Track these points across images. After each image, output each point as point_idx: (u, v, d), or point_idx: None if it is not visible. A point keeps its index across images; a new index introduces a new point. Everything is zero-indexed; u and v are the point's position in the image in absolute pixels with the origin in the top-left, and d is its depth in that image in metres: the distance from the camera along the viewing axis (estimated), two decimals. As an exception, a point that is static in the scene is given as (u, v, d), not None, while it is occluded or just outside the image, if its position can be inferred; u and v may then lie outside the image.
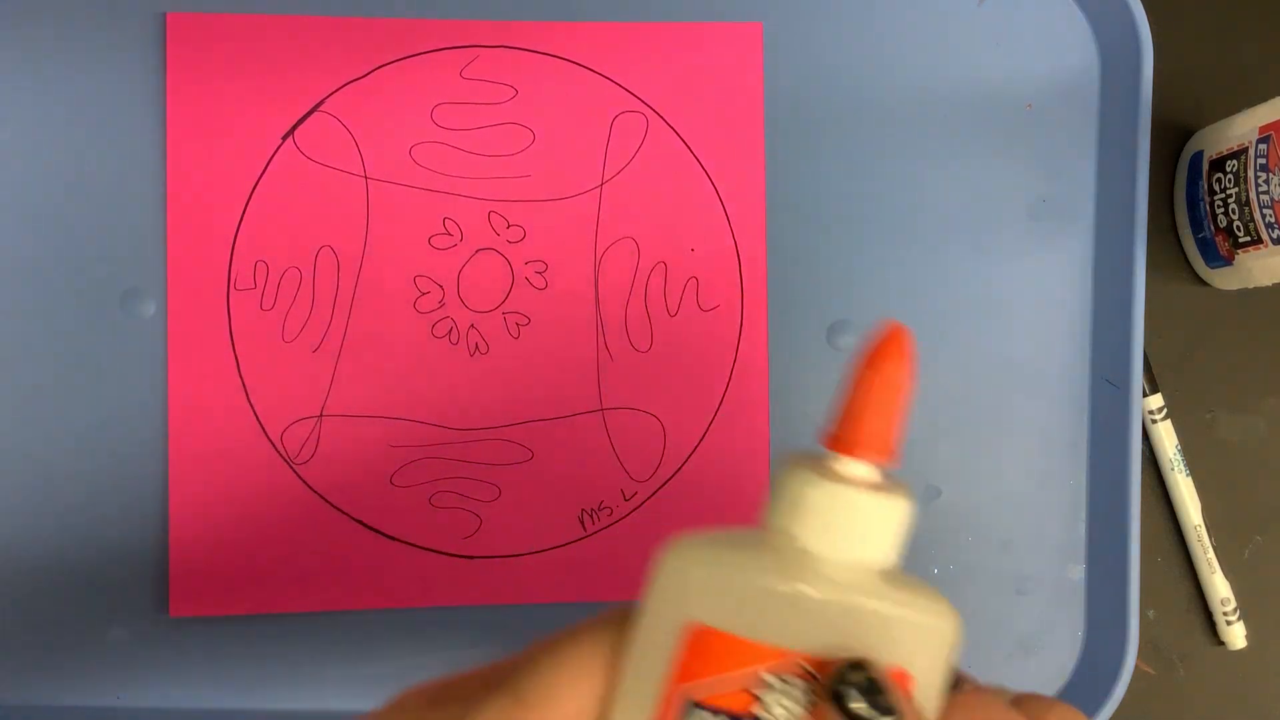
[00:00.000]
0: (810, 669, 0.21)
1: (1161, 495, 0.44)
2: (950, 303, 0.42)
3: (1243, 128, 0.41)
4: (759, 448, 0.41)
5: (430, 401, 0.41)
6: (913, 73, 0.42)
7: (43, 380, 0.40)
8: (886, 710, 0.21)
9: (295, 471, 0.40)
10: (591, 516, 0.41)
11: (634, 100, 0.41)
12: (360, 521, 0.41)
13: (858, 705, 0.21)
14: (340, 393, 0.41)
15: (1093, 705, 0.40)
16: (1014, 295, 0.42)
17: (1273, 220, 0.39)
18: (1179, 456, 0.44)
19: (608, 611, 0.24)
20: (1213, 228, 0.42)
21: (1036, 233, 0.42)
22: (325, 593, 0.40)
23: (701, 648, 0.22)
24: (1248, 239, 0.41)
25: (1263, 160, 0.40)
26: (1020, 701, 0.24)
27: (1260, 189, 0.40)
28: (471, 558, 0.41)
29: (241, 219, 0.40)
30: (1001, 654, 0.42)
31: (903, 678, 0.22)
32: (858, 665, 0.21)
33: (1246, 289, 0.43)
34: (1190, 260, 0.44)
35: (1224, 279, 0.43)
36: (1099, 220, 0.42)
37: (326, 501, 0.40)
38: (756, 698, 0.21)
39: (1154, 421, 0.43)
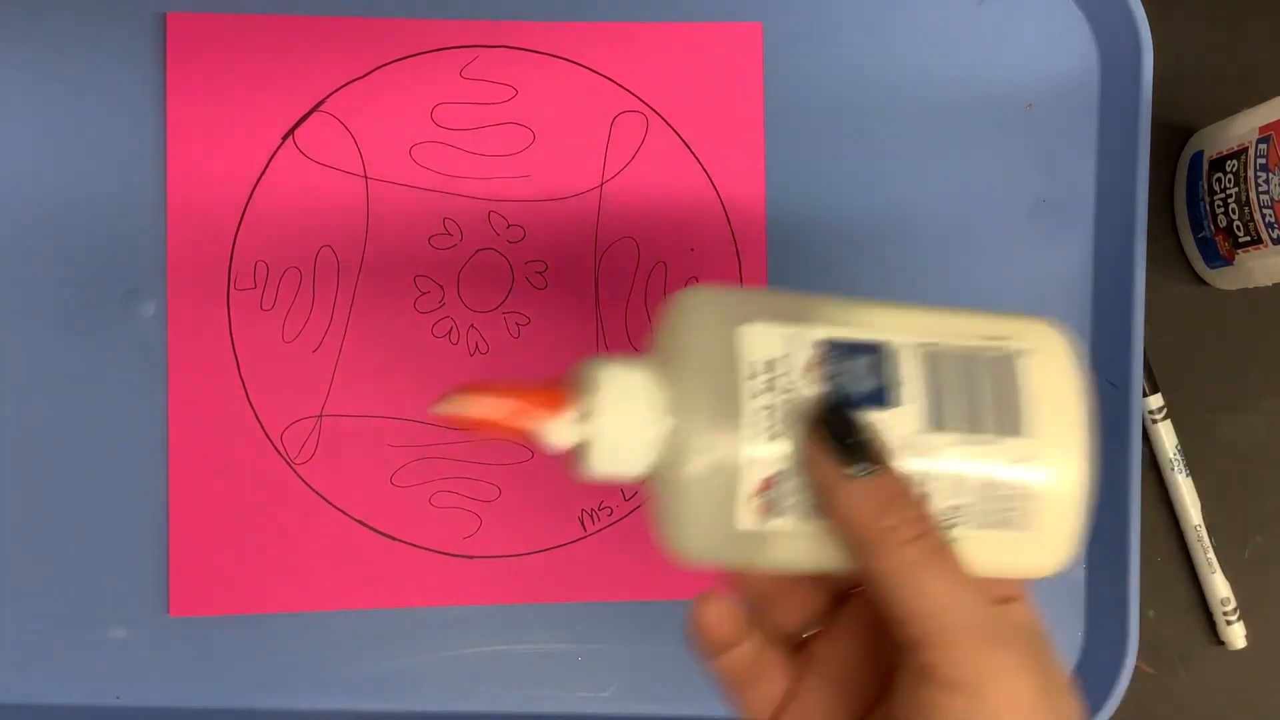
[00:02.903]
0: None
1: (1161, 495, 0.44)
2: (950, 303, 0.42)
3: (1243, 128, 0.41)
4: (759, 448, 0.41)
5: (430, 401, 0.41)
6: (913, 73, 0.42)
7: (43, 380, 0.40)
8: (862, 440, 0.24)
9: (295, 471, 0.40)
10: (591, 516, 0.41)
11: (634, 100, 0.41)
12: (360, 521, 0.41)
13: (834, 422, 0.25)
14: (340, 393, 0.41)
15: (1093, 705, 0.40)
16: (1014, 295, 0.42)
17: (1273, 220, 0.39)
18: (1179, 457, 0.44)
19: None
20: (1213, 228, 0.42)
21: (1036, 233, 0.42)
22: (325, 593, 0.40)
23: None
24: (1248, 239, 0.41)
25: (1263, 160, 0.40)
26: None
27: (1260, 189, 0.40)
28: (471, 558, 0.41)
29: (241, 219, 0.40)
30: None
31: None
32: (842, 402, 0.25)
33: (1246, 289, 0.43)
34: (1190, 260, 0.44)
35: (1224, 279, 0.43)
36: (1099, 220, 0.42)
37: (326, 501, 0.40)
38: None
39: (1154, 421, 0.43)
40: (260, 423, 0.40)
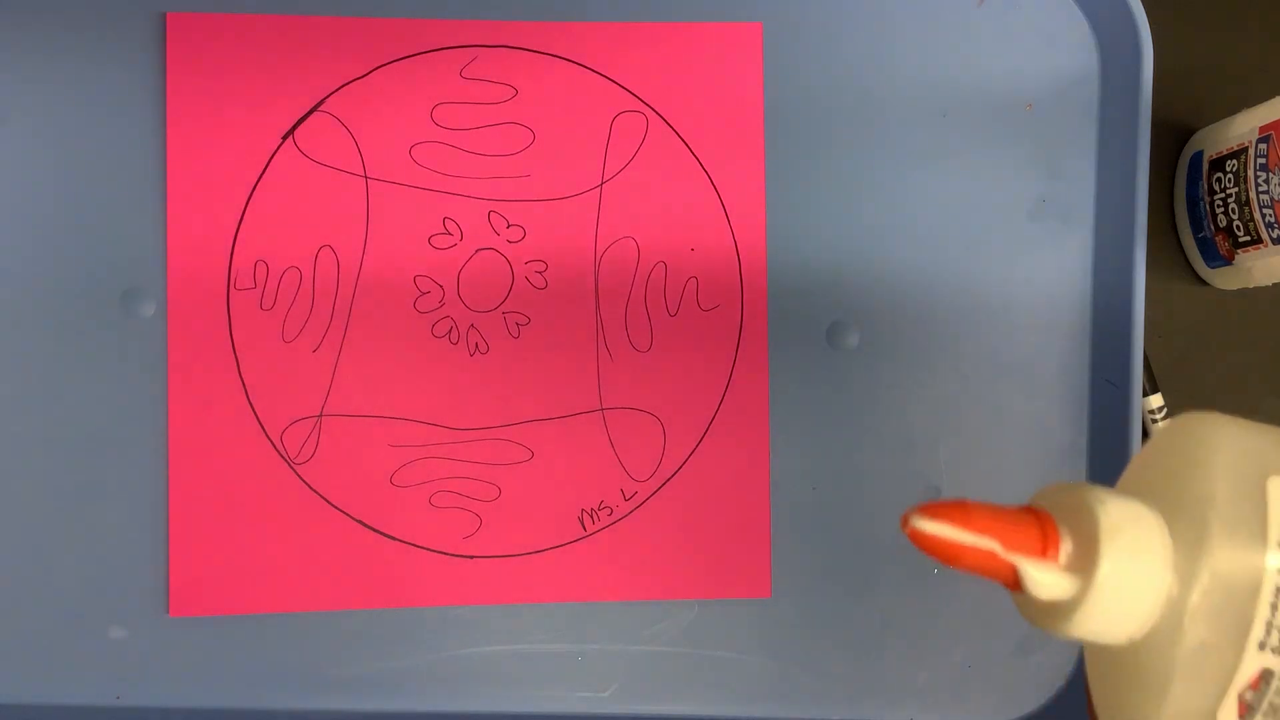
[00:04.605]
0: None
1: (1161, 495, 0.44)
2: (950, 303, 0.42)
3: (1243, 127, 0.41)
4: (759, 448, 0.41)
5: (430, 401, 0.41)
6: (913, 73, 0.42)
7: (43, 380, 0.40)
8: None
9: (295, 471, 0.40)
10: (591, 516, 0.41)
11: (634, 100, 0.41)
12: (360, 521, 0.41)
13: None
14: (340, 393, 0.41)
15: (1093, 705, 0.40)
16: (1014, 295, 0.42)
17: (1273, 220, 0.39)
18: (1179, 456, 0.43)
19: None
20: (1213, 228, 0.42)
21: (1036, 233, 0.42)
22: (325, 593, 0.40)
23: None
24: (1248, 239, 0.41)
25: (1263, 160, 0.40)
26: None
27: (1260, 189, 0.40)
28: (471, 557, 0.41)
29: (241, 219, 0.40)
30: (1002, 654, 0.42)
31: None
32: None
33: (1246, 289, 0.43)
34: (1190, 260, 0.44)
35: (1224, 279, 0.43)
36: (1099, 220, 0.42)
37: (327, 501, 0.40)
38: None
39: (1154, 421, 0.43)
40: (260, 423, 0.40)
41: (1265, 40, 0.45)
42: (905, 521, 0.21)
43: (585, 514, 0.41)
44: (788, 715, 0.42)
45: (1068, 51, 0.42)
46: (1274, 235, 0.40)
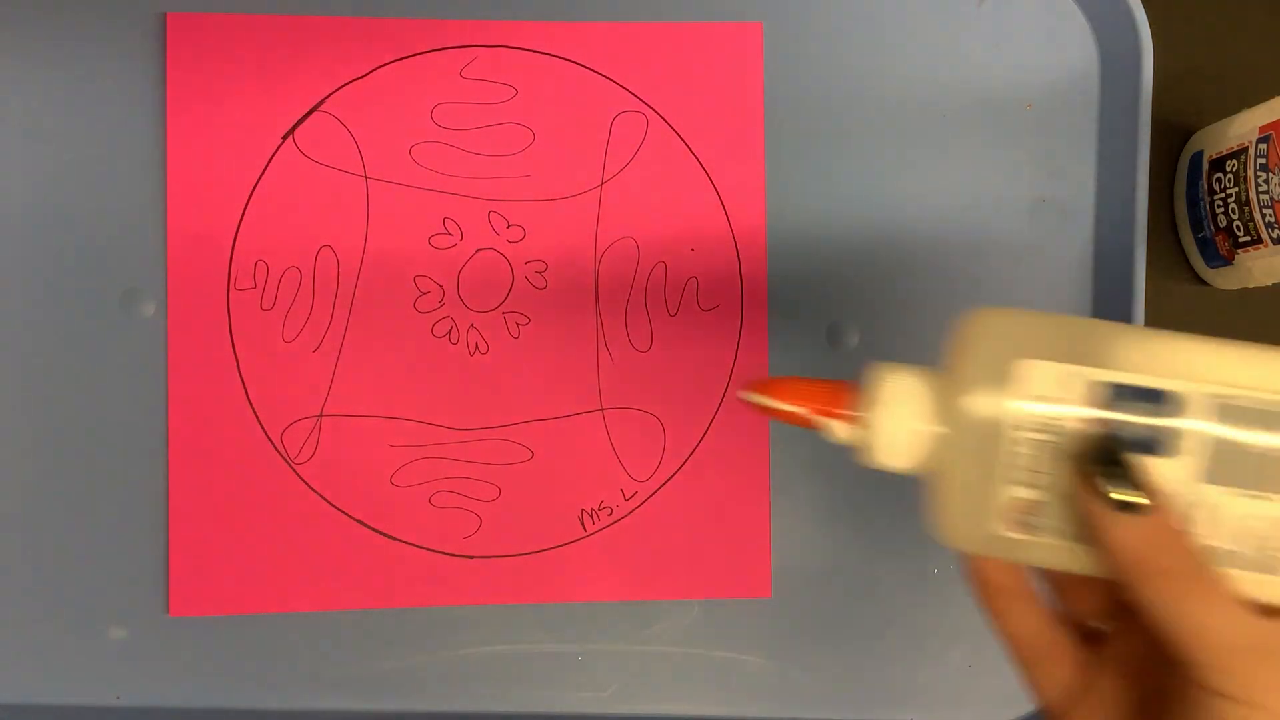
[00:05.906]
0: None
1: (1161, 495, 0.44)
2: (950, 303, 0.42)
3: (1243, 128, 0.41)
4: (759, 448, 0.41)
5: (430, 401, 0.41)
6: (913, 73, 0.42)
7: (43, 380, 0.40)
8: (1129, 482, 0.25)
9: (295, 471, 0.40)
10: (591, 516, 0.41)
11: (634, 100, 0.41)
12: (360, 521, 0.41)
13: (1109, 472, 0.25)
14: (340, 393, 0.41)
15: (1093, 705, 0.40)
16: (1014, 296, 0.42)
17: (1273, 220, 0.39)
18: (1179, 456, 0.43)
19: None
20: (1213, 228, 0.42)
21: (1036, 233, 0.42)
22: (325, 593, 0.40)
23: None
24: (1248, 239, 0.41)
25: (1263, 160, 0.40)
26: None
27: (1260, 189, 0.40)
28: (471, 558, 0.41)
29: (241, 219, 0.40)
30: (1002, 654, 0.42)
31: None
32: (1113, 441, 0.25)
33: (1246, 289, 0.43)
34: (1190, 260, 0.44)
35: (1224, 279, 0.43)
36: (1099, 220, 0.42)
37: (326, 501, 0.40)
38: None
39: (1154, 421, 0.43)
40: (260, 423, 0.40)
41: (1265, 40, 0.45)
42: (740, 393, 0.28)
43: (585, 514, 0.41)
44: (788, 715, 0.42)
45: (1068, 51, 0.42)
46: (1274, 235, 0.40)
